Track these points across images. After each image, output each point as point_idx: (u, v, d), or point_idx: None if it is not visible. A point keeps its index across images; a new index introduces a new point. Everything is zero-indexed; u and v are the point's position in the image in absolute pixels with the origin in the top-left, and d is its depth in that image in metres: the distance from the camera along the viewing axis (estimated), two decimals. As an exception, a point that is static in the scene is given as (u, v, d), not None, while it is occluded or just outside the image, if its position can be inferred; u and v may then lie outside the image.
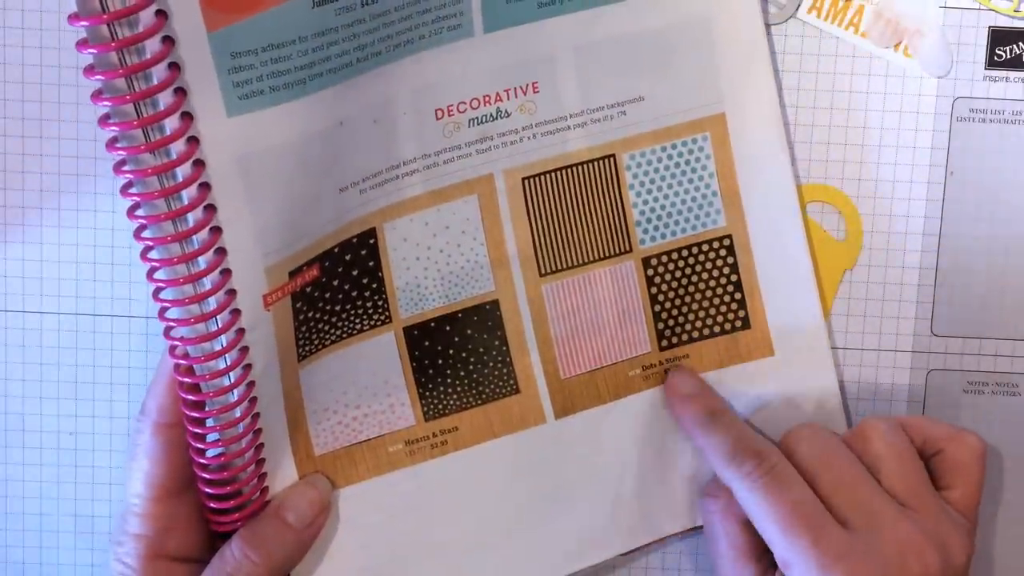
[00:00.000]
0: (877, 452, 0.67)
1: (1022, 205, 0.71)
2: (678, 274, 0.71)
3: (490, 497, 0.71)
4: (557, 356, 0.70)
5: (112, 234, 0.70)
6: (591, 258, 0.70)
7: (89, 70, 0.54)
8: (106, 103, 0.54)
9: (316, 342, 0.66)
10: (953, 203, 0.72)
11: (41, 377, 0.72)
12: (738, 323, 0.72)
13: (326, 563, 0.69)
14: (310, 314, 0.65)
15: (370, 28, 0.60)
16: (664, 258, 0.71)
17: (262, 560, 0.64)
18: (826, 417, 0.72)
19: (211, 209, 0.58)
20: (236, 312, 0.60)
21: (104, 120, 0.55)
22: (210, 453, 0.63)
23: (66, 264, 0.71)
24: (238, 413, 0.62)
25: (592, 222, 0.70)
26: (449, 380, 0.69)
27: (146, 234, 0.57)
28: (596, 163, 0.69)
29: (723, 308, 0.71)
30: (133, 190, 0.56)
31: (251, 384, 0.62)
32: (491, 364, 0.70)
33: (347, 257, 0.65)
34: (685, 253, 0.71)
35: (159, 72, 0.54)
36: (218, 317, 0.59)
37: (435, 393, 0.69)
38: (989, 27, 0.70)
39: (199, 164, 0.57)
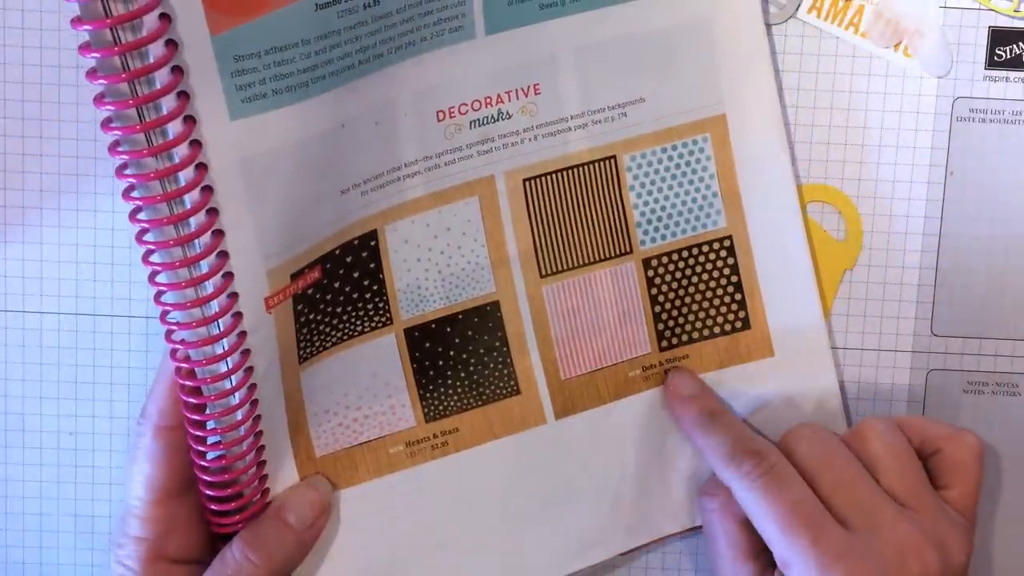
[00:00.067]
0: (875, 452, 0.67)
1: (1022, 205, 0.72)
2: (678, 275, 0.71)
3: (491, 498, 0.71)
4: (557, 357, 0.71)
5: (112, 234, 0.70)
6: (591, 259, 0.70)
7: (92, 74, 0.53)
8: (109, 107, 0.54)
9: (317, 344, 0.65)
10: (953, 203, 0.72)
11: (41, 377, 0.72)
12: (738, 324, 0.72)
13: (327, 564, 0.69)
14: (311, 316, 0.65)
15: (372, 30, 0.60)
16: (664, 259, 0.71)
17: (263, 562, 0.64)
18: (826, 417, 0.72)
19: (213, 212, 0.57)
20: (238, 315, 0.60)
21: (106, 124, 0.55)
22: (211, 455, 0.63)
23: (66, 264, 0.71)
24: (239, 415, 0.62)
25: (592, 223, 0.70)
26: (450, 381, 0.69)
27: (148, 237, 0.57)
28: (597, 164, 0.69)
29: (723, 309, 0.71)
30: (135, 194, 0.56)
31: (252, 386, 0.62)
32: (492, 365, 0.70)
33: (348, 259, 0.65)
34: (685, 254, 0.71)
35: (162, 76, 0.54)
36: (220, 320, 0.59)
37: (436, 394, 0.69)
38: (989, 27, 0.70)
39: (201, 167, 0.56)
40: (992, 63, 0.71)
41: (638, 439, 0.72)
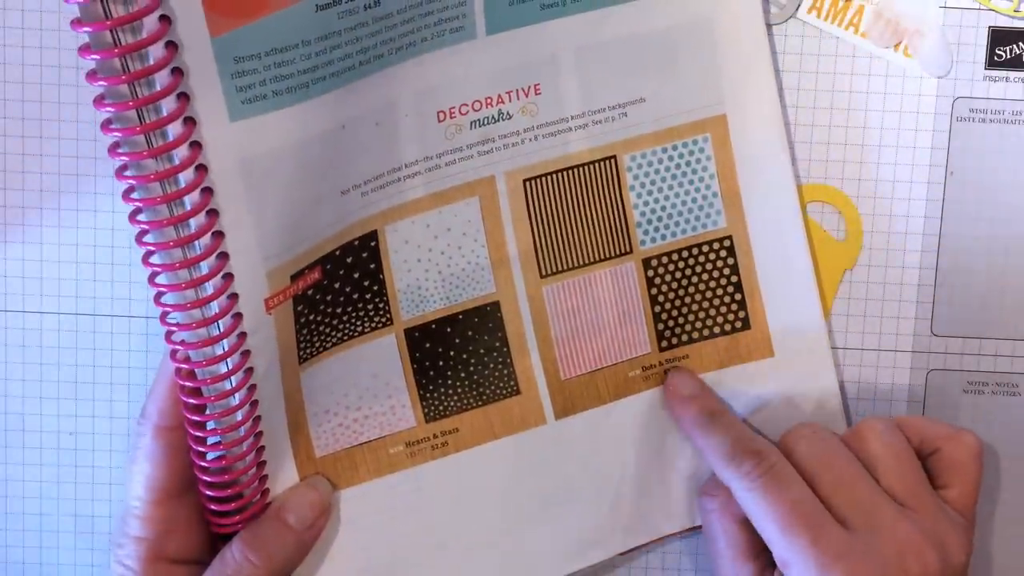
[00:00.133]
0: (875, 452, 0.67)
1: (1022, 205, 0.72)
2: (678, 275, 0.71)
3: (490, 498, 0.71)
4: (557, 357, 0.71)
5: (112, 234, 0.70)
6: (592, 259, 0.70)
7: (91, 75, 0.53)
8: (109, 109, 0.54)
9: (317, 344, 0.66)
10: (953, 203, 0.72)
11: (41, 377, 0.72)
12: (738, 324, 0.72)
13: (327, 565, 0.69)
14: (311, 317, 0.65)
15: (372, 31, 0.60)
16: (664, 259, 0.71)
17: (262, 562, 0.64)
18: (826, 418, 0.72)
19: (213, 214, 0.57)
20: (238, 316, 0.60)
21: (106, 125, 0.55)
22: (211, 456, 0.63)
23: (66, 264, 0.71)
24: (239, 416, 0.62)
25: (593, 223, 0.70)
26: (450, 381, 0.69)
27: (148, 239, 0.57)
28: (597, 164, 0.69)
29: (723, 309, 0.71)
30: (135, 195, 0.56)
31: (252, 387, 0.62)
32: (492, 365, 0.70)
33: (348, 260, 0.65)
34: (685, 254, 0.71)
35: (162, 78, 0.54)
36: (220, 321, 0.59)
37: (436, 394, 0.69)
38: (989, 27, 0.70)
39: (201, 169, 0.56)
40: (992, 63, 0.70)
41: (638, 439, 0.72)
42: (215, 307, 0.59)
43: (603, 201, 0.70)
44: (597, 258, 0.70)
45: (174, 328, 0.60)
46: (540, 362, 0.70)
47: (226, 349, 0.60)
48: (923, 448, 0.68)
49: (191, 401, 0.61)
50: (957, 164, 0.71)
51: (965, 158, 0.71)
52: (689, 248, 0.71)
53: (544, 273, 0.70)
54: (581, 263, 0.70)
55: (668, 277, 0.71)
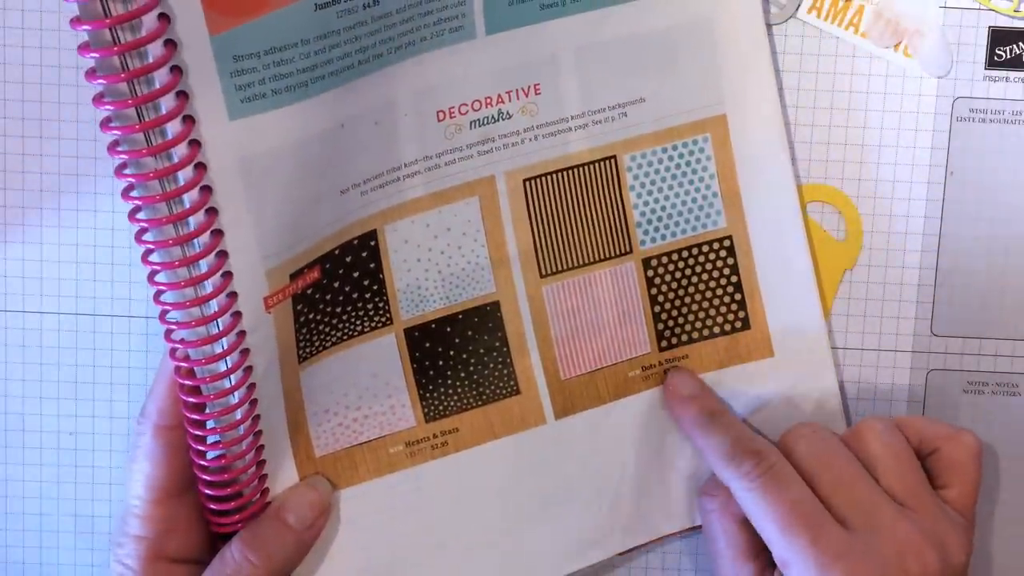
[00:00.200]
0: (874, 452, 0.67)
1: (1022, 205, 0.71)
2: (678, 275, 0.71)
3: (490, 498, 0.71)
4: (557, 357, 0.71)
5: (112, 234, 0.70)
6: (591, 259, 0.70)
7: (91, 74, 0.54)
8: (108, 107, 0.54)
9: (317, 344, 0.66)
10: (953, 203, 0.72)
11: (41, 377, 0.72)
12: (738, 324, 0.72)
13: (327, 564, 0.69)
14: (311, 316, 0.65)
15: (372, 30, 0.60)
16: (664, 259, 0.71)
17: (262, 562, 0.64)
18: (826, 418, 0.72)
19: (212, 212, 0.57)
20: (237, 315, 0.60)
21: (106, 123, 0.55)
22: (211, 455, 0.63)
23: (66, 264, 0.71)
24: (239, 415, 0.62)
25: (593, 223, 0.70)
26: (450, 381, 0.69)
27: (147, 237, 0.57)
28: (597, 164, 0.69)
29: (723, 309, 0.71)
30: (134, 193, 0.56)
31: (252, 386, 0.62)
32: (491, 365, 0.70)
33: (348, 259, 0.65)
34: (685, 254, 0.71)
35: (161, 76, 0.54)
36: (219, 320, 0.59)
37: (436, 394, 0.69)
38: (989, 27, 0.70)
39: (200, 167, 0.57)
40: (992, 63, 0.71)
41: (637, 439, 0.72)
42: (214, 305, 0.59)
43: (603, 201, 0.70)
44: (597, 258, 0.70)
45: (173, 326, 0.60)
46: (540, 362, 0.70)
47: (225, 347, 0.60)
48: (922, 448, 0.68)
49: (190, 400, 0.61)
50: (957, 164, 0.71)
51: (965, 158, 0.71)
52: (689, 248, 0.71)
53: (544, 273, 0.70)
54: (581, 263, 0.70)
55: (668, 277, 0.71)
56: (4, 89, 0.69)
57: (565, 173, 0.69)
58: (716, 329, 0.72)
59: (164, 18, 0.53)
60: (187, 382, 0.61)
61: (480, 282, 0.69)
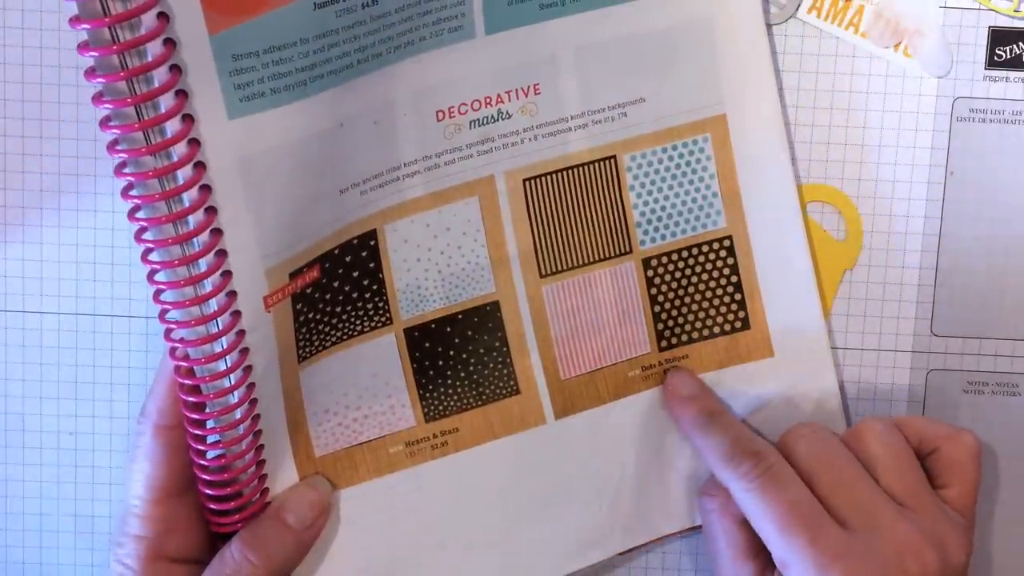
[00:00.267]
0: (874, 452, 0.67)
1: (1022, 205, 0.71)
2: (678, 275, 0.71)
3: (490, 498, 0.71)
4: (557, 357, 0.70)
5: (112, 234, 0.70)
6: (591, 259, 0.70)
7: (90, 73, 0.54)
8: (107, 106, 0.54)
9: (316, 343, 0.66)
10: (953, 203, 0.72)
11: (41, 377, 0.72)
12: (738, 324, 0.72)
13: (326, 564, 0.69)
14: (310, 315, 0.65)
15: (371, 30, 0.60)
16: (664, 259, 0.71)
17: (262, 562, 0.64)
18: (826, 418, 0.72)
19: (212, 211, 0.58)
20: (237, 314, 0.60)
21: (105, 122, 0.55)
22: (211, 455, 0.63)
23: (66, 264, 0.71)
24: (239, 414, 0.62)
25: (592, 223, 0.70)
26: (449, 381, 0.69)
27: (147, 236, 0.57)
28: (597, 164, 0.69)
29: (723, 309, 0.71)
30: (134, 192, 0.56)
31: (251, 386, 0.62)
32: (491, 365, 0.70)
33: (347, 258, 0.65)
34: (685, 254, 0.71)
35: (160, 75, 0.54)
36: (219, 319, 0.59)
37: (435, 394, 0.69)
38: (989, 27, 0.70)
39: (200, 166, 0.57)
40: (992, 63, 0.71)
41: (637, 439, 0.72)
42: (213, 304, 0.59)
43: (603, 201, 0.70)
44: (597, 258, 0.70)
45: (173, 326, 0.60)
46: (540, 362, 0.70)
47: (225, 347, 0.60)
48: (922, 448, 0.68)
49: (190, 399, 0.61)
50: (957, 164, 0.71)
51: (965, 158, 0.71)
52: (689, 248, 0.71)
53: (544, 273, 0.70)
54: (581, 263, 0.70)
55: (668, 277, 0.71)
56: (4, 89, 0.69)
57: (565, 173, 0.69)
58: (716, 329, 0.72)
59: (163, 17, 0.53)
60: (187, 381, 0.61)
61: (480, 282, 0.69)
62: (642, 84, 0.68)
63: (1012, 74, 0.71)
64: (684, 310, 0.71)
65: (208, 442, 0.63)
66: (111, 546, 0.65)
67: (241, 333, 0.60)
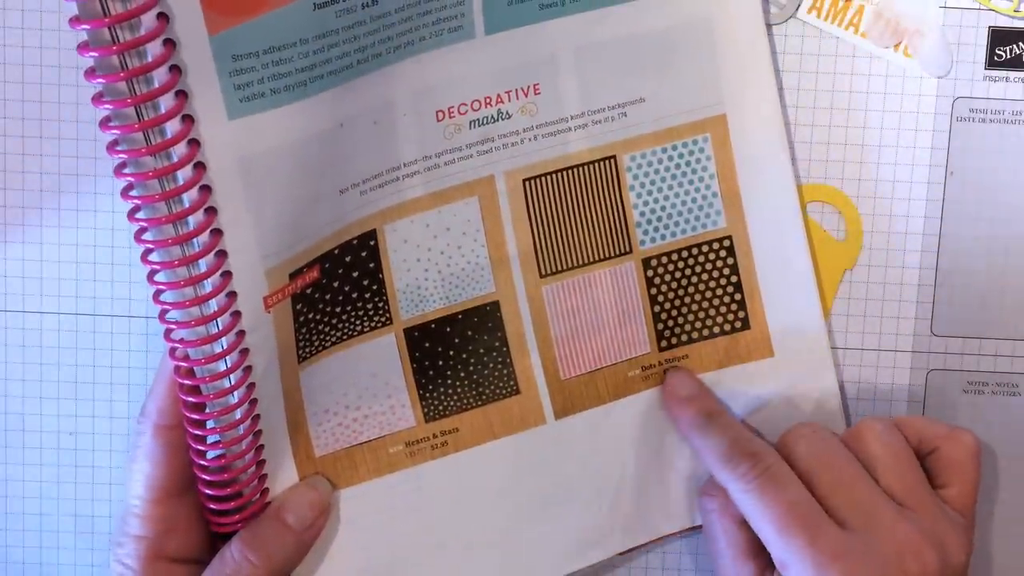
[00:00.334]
0: (874, 452, 0.67)
1: (1022, 205, 0.71)
2: (678, 275, 0.71)
3: (490, 498, 0.71)
4: (557, 357, 0.70)
5: (112, 234, 0.70)
6: (591, 259, 0.70)
7: (90, 73, 0.54)
8: (107, 106, 0.54)
9: (316, 343, 0.66)
10: (953, 203, 0.72)
11: (41, 377, 0.72)
12: (738, 324, 0.72)
13: (326, 564, 0.69)
14: (310, 315, 0.65)
15: (370, 30, 0.60)
16: (664, 259, 0.71)
17: (262, 562, 0.64)
18: (826, 418, 0.72)
19: (212, 212, 0.58)
20: (237, 314, 0.60)
21: (105, 123, 0.55)
22: (211, 455, 0.63)
23: (66, 264, 0.71)
24: (239, 415, 0.62)
25: (592, 223, 0.70)
26: (449, 381, 0.69)
27: (147, 236, 0.57)
28: (597, 164, 0.69)
29: (723, 309, 0.71)
30: (134, 192, 0.56)
31: (251, 386, 0.62)
32: (491, 365, 0.70)
33: (347, 259, 0.65)
34: (685, 254, 0.71)
35: (160, 75, 0.54)
36: (219, 319, 0.59)
37: (435, 394, 0.69)
38: (989, 27, 0.70)
39: (200, 167, 0.57)
40: (992, 63, 0.70)
41: (637, 439, 0.72)
42: (213, 305, 0.59)
43: (603, 201, 0.70)
44: (597, 258, 0.70)
45: (173, 326, 0.60)
46: (540, 362, 0.70)
47: (224, 347, 0.60)
48: (921, 448, 0.68)
49: (190, 399, 0.61)
50: (957, 164, 0.71)
51: (965, 158, 0.71)
52: (689, 248, 0.71)
53: (544, 273, 0.70)
54: (581, 263, 0.70)
55: (668, 277, 0.71)
56: (4, 89, 0.69)
57: (565, 173, 0.69)
58: (716, 329, 0.72)
59: (163, 17, 0.53)
60: (187, 382, 0.61)
61: (480, 282, 0.69)
62: (642, 84, 0.68)
63: (1012, 74, 0.71)
64: (684, 310, 0.71)
65: (208, 442, 0.63)
66: (111, 546, 0.65)
67: (241, 333, 0.60)
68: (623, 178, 0.70)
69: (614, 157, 0.69)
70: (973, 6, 0.70)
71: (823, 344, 0.72)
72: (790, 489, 0.65)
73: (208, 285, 0.58)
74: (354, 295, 0.66)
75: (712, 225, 0.71)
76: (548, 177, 0.69)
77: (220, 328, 0.59)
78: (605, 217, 0.70)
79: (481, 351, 0.70)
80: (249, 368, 0.61)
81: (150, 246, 0.57)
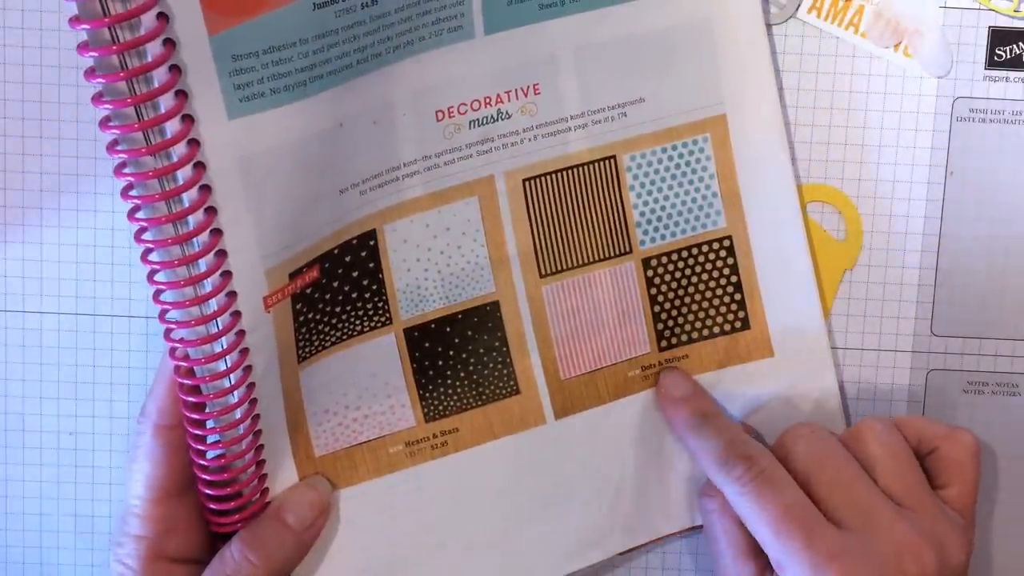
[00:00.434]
0: (873, 452, 0.67)
1: (1022, 205, 0.71)
2: (678, 275, 0.71)
3: (490, 498, 0.71)
4: (557, 357, 0.70)
5: (112, 234, 0.70)
6: (591, 259, 0.70)
7: (90, 73, 0.54)
8: (107, 106, 0.54)
9: (316, 343, 0.66)
10: (953, 203, 0.72)
11: (41, 377, 0.72)
12: (738, 324, 0.72)
13: (326, 564, 0.69)
14: (310, 315, 0.65)
15: (370, 30, 0.60)
16: (664, 259, 0.71)
17: (262, 562, 0.64)
18: (825, 418, 0.72)
19: (211, 211, 0.58)
20: (237, 314, 0.60)
21: (105, 123, 0.55)
22: (210, 455, 0.63)
23: (66, 264, 0.71)
24: (238, 415, 0.62)
25: (592, 223, 0.70)
26: (449, 381, 0.69)
27: (146, 236, 0.57)
28: (597, 164, 0.69)
29: (723, 309, 0.71)
30: (133, 192, 0.56)
31: (251, 386, 0.62)
32: (491, 365, 0.70)
33: (347, 258, 0.65)
34: (685, 254, 0.71)
35: (160, 75, 0.54)
36: (219, 319, 0.59)
37: (435, 394, 0.69)
38: (989, 27, 0.70)
39: (200, 166, 0.57)
40: (992, 63, 0.70)
41: (637, 439, 0.72)
42: (213, 304, 0.59)
43: (603, 201, 0.70)
44: (597, 258, 0.70)
45: (173, 326, 0.60)
46: (540, 362, 0.70)
47: (224, 347, 0.60)
48: (921, 448, 0.68)
49: (190, 399, 0.61)
50: (957, 164, 0.71)
51: (965, 158, 0.71)
52: (689, 248, 0.71)
53: (544, 273, 0.70)
54: (581, 263, 0.70)
55: (668, 277, 0.71)
56: (4, 89, 0.69)
57: (565, 173, 0.69)
58: (716, 329, 0.72)
59: (163, 17, 0.53)
60: (187, 381, 0.61)
61: (480, 282, 0.69)
62: (642, 84, 0.68)
63: (1012, 74, 0.71)
64: (684, 310, 0.71)
65: (208, 442, 0.63)
66: (111, 546, 0.65)
67: (241, 333, 0.60)
68: (623, 178, 0.70)
69: (614, 157, 0.69)
70: (973, 6, 0.70)
71: (823, 344, 0.72)
72: (786, 491, 0.65)
73: (208, 285, 0.58)
74: (354, 295, 0.66)
75: (712, 225, 0.71)
76: (548, 177, 0.69)
77: (220, 328, 0.59)
78: (605, 217, 0.70)
79: (481, 351, 0.70)
80: (249, 368, 0.61)
81: (150, 246, 0.57)
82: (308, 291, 0.64)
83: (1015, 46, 0.70)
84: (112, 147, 0.55)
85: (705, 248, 0.71)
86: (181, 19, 0.54)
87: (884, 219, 0.72)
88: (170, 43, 0.54)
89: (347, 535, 0.69)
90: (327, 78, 0.60)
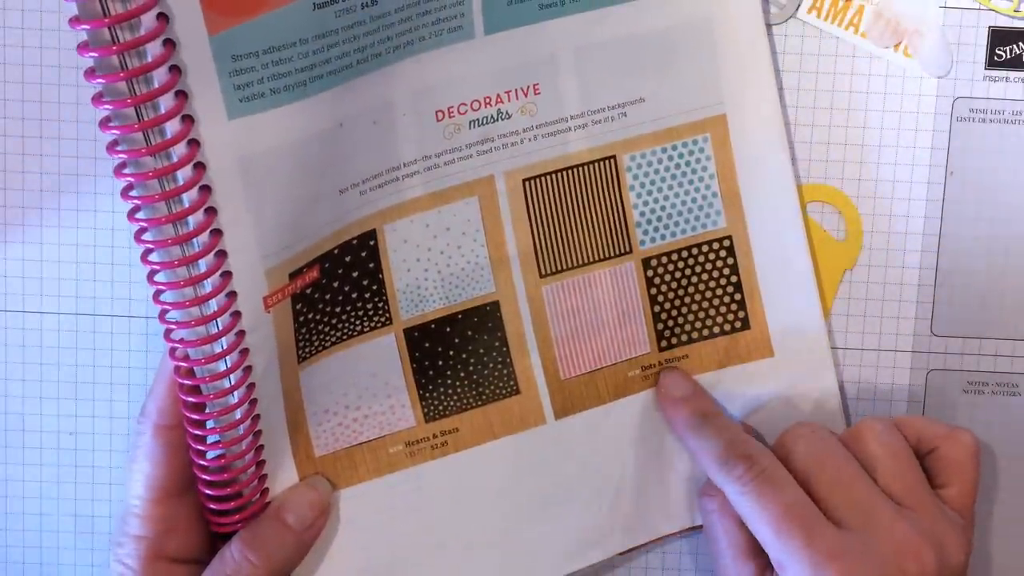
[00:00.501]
0: (873, 452, 0.67)
1: (1022, 205, 0.71)
2: (678, 275, 0.71)
3: (490, 498, 0.71)
4: (557, 357, 0.70)
5: (112, 234, 0.70)
6: (591, 259, 0.70)
7: (90, 73, 0.54)
8: (107, 106, 0.54)
9: (316, 343, 0.66)
10: (953, 203, 0.72)
11: (41, 377, 0.72)
12: (738, 324, 0.72)
13: (326, 564, 0.69)
14: (310, 315, 0.65)
15: (370, 30, 0.60)
16: (664, 259, 0.71)
17: (262, 562, 0.64)
18: (825, 418, 0.72)
19: (211, 212, 0.58)
20: (237, 314, 0.60)
21: (105, 123, 0.55)
22: (210, 455, 0.63)
23: (66, 264, 0.71)
24: (238, 415, 0.62)
25: (592, 223, 0.70)
26: (449, 381, 0.69)
27: (146, 237, 0.57)
28: (597, 164, 0.69)
29: (723, 309, 0.71)
30: (133, 193, 0.56)
31: (251, 386, 0.62)
32: (491, 365, 0.70)
33: (347, 259, 0.65)
34: (685, 254, 0.71)
35: (160, 75, 0.54)
36: (219, 319, 0.59)
37: (435, 394, 0.69)
38: (989, 27, 0.70)
39: (200, 167, 0.57)
40: (992, 63, 0.70)
41: (637, 439, 0.72)
42: (213, 305, 0.59)
43: (603, 201, 0.70)
44: (597, 258, 0.70)
45: (173, 326, 0.60)
46: (540, 362, 0.70)
47: (224, 347, 0.60)
48: (920, 447, 0.68)
49: (190, 399, 0.61)
50: (957, 164, 0.71)
51: (965, 158, 0.71)
52: (689, 248, 0.71)
53: (544, 273, 0.70)
54: (581, 263, 0.70)
55: (668, 277, 0.71)
56: (4, 89, 0.69)
57: (565, 173, 0.69)
58: (716, 329, 0.72)
59: (163, 17, 0.53)
60: (187, 382, 0.61)
61: (480, 282, 0.69)
62: (642, 84, 0.68)
63: (1012, 74, 0.71)
64: (684, 310, 0.71)
65: (208, 442, 0.63)
66: (111, 546, 0.65)
67: (241, 333, 0.60)
68: (623, 178, 0.70)
69: (614, 157, 0.69)
70: (973, 6, 0.70)
71: (823, 344, 0.72)
72: (786, 490, 0.65)
73: (208, 285, 0.58)
74: (354, 295, 0.66)
75: (712, 225, 0.71)
76: (548, 177, 0.69)
77: (220, 328, 0.59)
78: (605, 217, 0.70)
79: (481, 351, 0.70)
80: (249, 368, 0.61)
81: (150, 246, 0.57)
82: (308, 291, 0.64)
83: (1015, 46, 0.70)
84: (112, 147, 0.55)
85: (705, 248, 0.71)
86: (181, 19, 0.54)
87: (884, 219, 0.72)
88: (170, 43, 0.54)
89: (347, 535, 0.69)
90: (327, 78, 0.60)
